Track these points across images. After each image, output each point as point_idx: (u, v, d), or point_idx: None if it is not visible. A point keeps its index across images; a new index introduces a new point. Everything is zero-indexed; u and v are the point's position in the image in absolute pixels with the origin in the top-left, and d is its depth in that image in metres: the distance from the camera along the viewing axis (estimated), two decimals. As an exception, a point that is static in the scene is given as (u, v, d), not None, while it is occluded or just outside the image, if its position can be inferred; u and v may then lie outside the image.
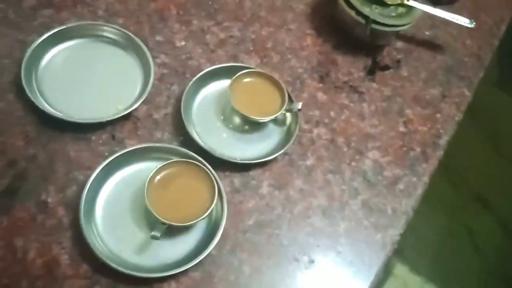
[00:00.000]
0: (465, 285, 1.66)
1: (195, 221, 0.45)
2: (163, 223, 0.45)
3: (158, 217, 0.45)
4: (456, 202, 1.58)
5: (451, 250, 1.73)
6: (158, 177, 0.48)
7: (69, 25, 0.56)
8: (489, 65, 1.08)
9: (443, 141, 0.61)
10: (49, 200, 0.47)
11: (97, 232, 0.46)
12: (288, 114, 0.58)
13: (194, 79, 0.56)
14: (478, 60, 0.72)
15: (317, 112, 0.60)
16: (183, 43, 0.61)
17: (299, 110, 0.56)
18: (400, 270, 1.69)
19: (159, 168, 0.48)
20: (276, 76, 0.60)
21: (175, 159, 0.50)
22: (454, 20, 0.67)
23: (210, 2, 0.66)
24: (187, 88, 0.55)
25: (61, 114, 0.51)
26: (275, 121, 0.57)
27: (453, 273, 1.69)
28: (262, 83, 0.57)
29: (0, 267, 0.43)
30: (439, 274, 1.68)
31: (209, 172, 0.49)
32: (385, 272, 1.67)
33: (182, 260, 0.46)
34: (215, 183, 0.48)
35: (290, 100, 0.57)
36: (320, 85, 0.63)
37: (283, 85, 0.57)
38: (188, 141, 0.53)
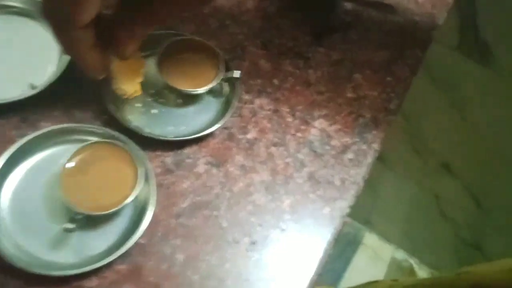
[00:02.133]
0: (435, 251, 1.68)
1: (113, 209, 0.40)
2: (79, 213, 0.40)
3: (72, 206, 0.40)
4: (422, 170, 1.58)
5: (419, 217, 1.74)
6: (74, 162, 0.42)
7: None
8: (448, 28, 1.05)
9: (394, 105, 0.58)
10: None
11: (5, 227, 0.40)
12: (226, 84, 0.53)
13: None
14: (432, 19, 0.68)
15: (259, 81, 0.55)
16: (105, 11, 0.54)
17: (238, 78, 0.51)
18: (370, 239, 1.70)
19: (76, 151, 0.42)
20: (214, 44, 0.54)
21: (95, 140, 0.44)
22: (404, -23, 0.63)
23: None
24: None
25: (-40, 96, 0.44)
26: (212, 92, 0.52)
27: (423, 239, 1.71)
28: (194, 51, 0.51)
29: None
30: (409, 241, 1.69)
31: (131, 152, 0.43)
32: (354, 242, 1.67)
33: (106, 253, 0.41)
34: (139, 164, 0.43)
35: (228, 69, 0.52)
36: (263, 51, 0.58)
37: (219, 52, 0.51)
38: (112, 120, 0.47)
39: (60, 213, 0.42)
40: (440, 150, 1.48)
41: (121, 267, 0.41)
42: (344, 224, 0.49)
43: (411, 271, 1.67)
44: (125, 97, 0.47)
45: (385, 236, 1.67)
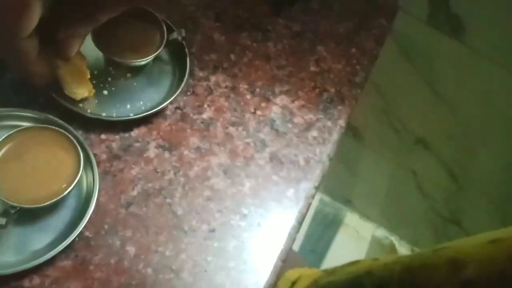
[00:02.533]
0: (414, 227, 1.69)
1: (50, 201, 0.36)
2: (12, 206, 0.36)
3: (4, 198, 0.36)
4: (399, 147, 1.57)
5: (398, 194, 1.74)
6: (5, 150, 0.38)
7: None
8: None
9: (360, 78, 0.55)
10: None
11: None
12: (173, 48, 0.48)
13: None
14: (398, -13, 0.65)
15: (214, 56, 0.51)
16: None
17: (183, 38, 0.47)
18: (351, 218, 1.70)
19: (5, 138, 0.38)
20: (163, 17, 0.50)
21: (29, 125, 0.40)
22: None
23: None
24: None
25: None
26: (160, 63, 0.48)
27: (402, 216, 1.71)
28: (132, 18, 0.46)
29: None
30: (389, 218, 1.69)
31: (71, 138, 0.39)
32: (335, 222, 1.66)
33: (48, 248, 0.37)
34: (79, 150, 0.39)
35: (171, 31, 0.47)
36: (217, 24, 0.54)
37: (157, 15, 0.47)
38: (51, 103, 0.43)
39: (-9, 208, 0.38)
40: (416, 126, 1.47)
41: (65, 263, 0.38)
42: (309, 205, 0.46)
43: (392, 248, 1.68)
44: (80, 98, 0.43)
45: (366, 215, 1.66)
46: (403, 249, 1.67)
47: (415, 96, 1.33)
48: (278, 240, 0.43)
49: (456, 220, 1.69)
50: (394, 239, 1.67)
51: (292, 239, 0.44)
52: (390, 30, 0.60)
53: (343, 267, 0.80)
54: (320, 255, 1.59)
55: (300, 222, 0.45)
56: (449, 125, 1.33)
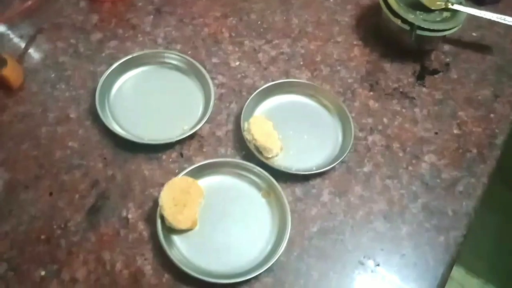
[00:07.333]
0: (526, 287, 1.60)
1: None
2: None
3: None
4: (511, 200, 1.52)
5: (509, 250, 1.67)
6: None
7: (135, 54, 0.61)
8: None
9: (499, 141, 0.62)
10: (130, 216, 0.52)
11: (175, 243, 0.50)
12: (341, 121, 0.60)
13: (251, 96, 0.59)
14: (529, 58, 0.71)
15: (370, 120, 0.62)
16: (237, 63, 0.64)
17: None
18: (456, 272, 1.65)
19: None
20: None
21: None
22: (500, 20, 0.67)
23: (259, 23, 0.70)
24: (245, 106, 0.58)
25: (133, 137, 0.55)
26: (329, 127, 0.60)
27: (513, 274, 1.63)
28: None
29: (92, 279, 0.48)
30: (498, 275, 1.63)
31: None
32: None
33: (255, 267, 0.49)
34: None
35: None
36: (371, 93, 0.65)
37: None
38: (249, 155, 0.56)
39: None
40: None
41: (267, 279, 0.49)
42: (458, 251, 0.53)
43: (502, 308, 1.60)
44: (272, 156, 0.56)
45: (473, 270, 1.62)
46: (515, 310, 1.58)
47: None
48: (433, 279, 0.51)
49: None
50: (504, 298, 1.59)
51: (444, 279, 0.51)
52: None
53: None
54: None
55: (451, 266, 0.52)
56: None
